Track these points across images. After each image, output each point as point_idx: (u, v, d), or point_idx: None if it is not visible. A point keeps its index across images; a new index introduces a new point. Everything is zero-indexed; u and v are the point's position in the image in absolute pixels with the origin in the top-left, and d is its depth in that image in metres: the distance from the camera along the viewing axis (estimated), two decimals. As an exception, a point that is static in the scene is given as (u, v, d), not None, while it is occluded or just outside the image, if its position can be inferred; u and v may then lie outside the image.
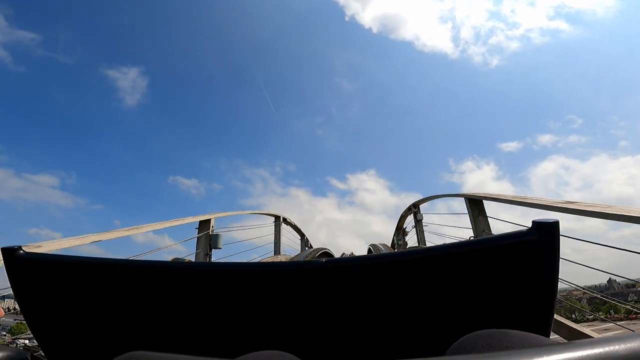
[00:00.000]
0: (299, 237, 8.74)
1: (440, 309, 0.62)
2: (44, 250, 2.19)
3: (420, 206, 6.67)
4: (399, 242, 7.55)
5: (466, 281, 0.60)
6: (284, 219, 7.29)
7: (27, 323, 0.69)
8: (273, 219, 7.05)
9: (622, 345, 0.23)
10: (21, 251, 0.67)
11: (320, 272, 0.64)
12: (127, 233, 3.09)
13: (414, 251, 0.65)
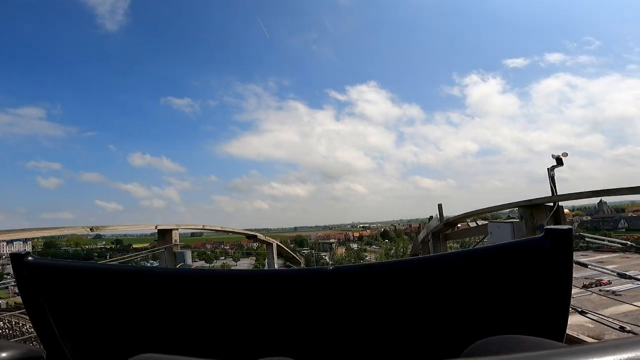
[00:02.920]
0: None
1: (453, 315, 0.63)
2: None
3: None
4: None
5: (479, 287, 0.62)
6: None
7: (32, 326, 0.74)
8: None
9: None
10: (29, 257, 0.72)
11: (327, 278, 0.65)
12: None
13: (424, 258, 0.65)
